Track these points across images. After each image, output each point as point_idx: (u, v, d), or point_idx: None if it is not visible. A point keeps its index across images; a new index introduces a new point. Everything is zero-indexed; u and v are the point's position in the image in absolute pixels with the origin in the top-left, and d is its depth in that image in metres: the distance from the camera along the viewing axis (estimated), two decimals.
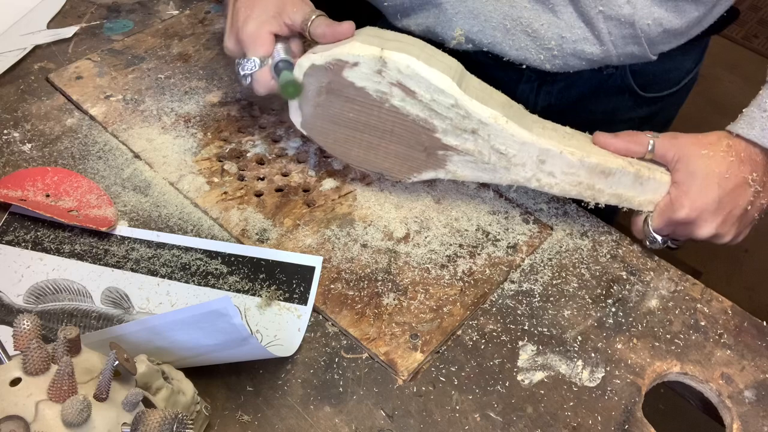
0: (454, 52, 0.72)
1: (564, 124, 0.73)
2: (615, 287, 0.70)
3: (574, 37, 0.73)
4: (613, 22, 0.71)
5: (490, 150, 0.68)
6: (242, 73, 0.70)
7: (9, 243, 0.69)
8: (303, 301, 0.66)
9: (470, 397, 0.61)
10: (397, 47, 0.66)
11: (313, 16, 0.69)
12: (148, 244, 0.70)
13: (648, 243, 0.72)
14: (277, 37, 0.70)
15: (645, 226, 0.71)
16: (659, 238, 0.71)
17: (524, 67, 0.78)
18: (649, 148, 0.70)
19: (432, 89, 0.65)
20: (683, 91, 0.90)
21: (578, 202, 0.77)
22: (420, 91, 0.66)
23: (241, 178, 0.77)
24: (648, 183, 0.69)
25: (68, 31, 0.93)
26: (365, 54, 0.65)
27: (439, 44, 0.80)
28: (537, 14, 0.73)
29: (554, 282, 0.70)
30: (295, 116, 0.73)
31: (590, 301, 0.69)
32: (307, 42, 0.71)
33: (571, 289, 0.70)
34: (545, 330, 0.66)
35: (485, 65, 0.78)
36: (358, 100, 0.68)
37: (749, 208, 0.69)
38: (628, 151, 0.70)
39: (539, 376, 0.63)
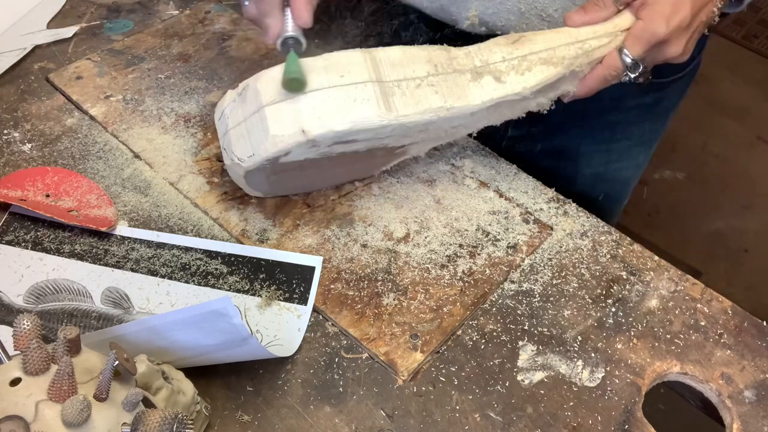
0: (463, 35, 0.72)
1: (572, 110, 0.72)
2: (615, 287, 0.70)
3: None
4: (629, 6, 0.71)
5: (445, 130, 0.69)
6: None
7: (9, 243, 0.69)
8: (303, 301, 0.66)
9: (470, 397, 0.61)
10: (313, 106, 0.64)
11: None
12: (148, 244, 0.70)
13: (629, 75, 0.70)
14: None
15: (623, 58, 0.69)
16: (641, 64, 0.69)
17: None
18: (615, 3, 0.68)
19: (364, 132, 0.65)
20: (687, 77, 0.90)
21: (578, 202, 0.78)
22: (357, 137, 0.65)
23: None
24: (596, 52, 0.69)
25: (68, 31, 0.93)
26: (290, 143, 0.64)
27: (451, 25, 0.80)
28: None
29: (554, 282, 0.70)
30: (254, 193, 0.74)
31: (590, 301, 0.69)
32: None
33: (571, 289, 0.70)
34: (545, 330, 0.66)
35: None
36: (306, 164, 0.68)
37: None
38: (596, 21, 0.69)
39: (539, 376, 0.63)
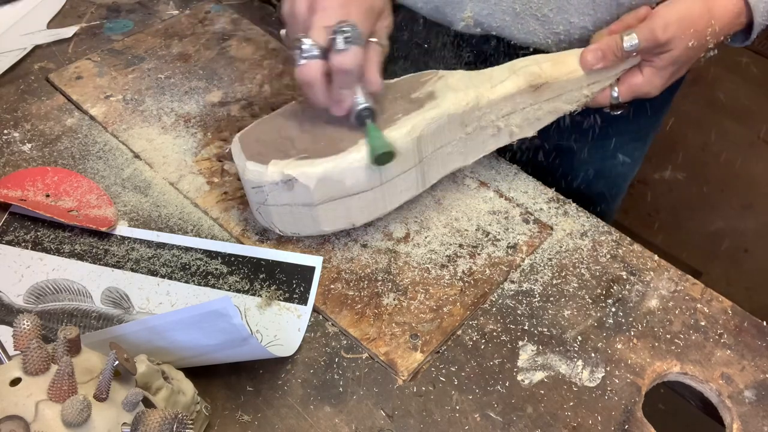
0: (460, 36, 0.72)
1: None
2: (615, 287, 0.70)
3: (581, 23, 0.74)
4: (624, 8, 0.72)
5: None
6: (304, 53, 0.59)
7: (9, 243, 0.69)
8: (303, 301, 0.66)
9: (470, 397, 0.61)
10: (363, 206, 0.66)
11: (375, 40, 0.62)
12: (148, 244, 0.70)
13: (611, 111, 0.74)
14: None
15: (611, 96, 0.73)
16: (624, 105, 0.74)
17: (531, 50, 0.78)
18: (630, 50, 0.69)
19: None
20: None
21: (575, 199, 0.78)
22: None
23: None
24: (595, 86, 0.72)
25: (68, 31, 0.93)
26: (337, 231, 0.69)
27: (446, 26, 0.80)
28: None
29: (554, 282, 0.70)
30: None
31: (590, 301, 0.69)
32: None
33: (571, 289, 0.70)
34: (545, 330, 0.66)
35: (488, 53, 0.78)
36: None
37: None
38: (611, 68, 0.71)
39: (539, 376, 0.63)
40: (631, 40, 0.68)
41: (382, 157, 0.62)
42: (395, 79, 0.72)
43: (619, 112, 0.75)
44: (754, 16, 0.68)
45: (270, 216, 0.67)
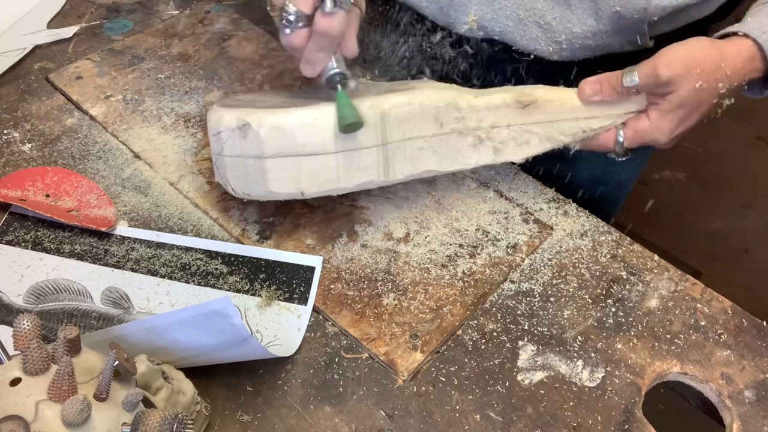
0: (464, 41, 0.71)
1: None
2: (615, 287, 0.70)
3: (584, 33, 0.74)
4: (626, 20, 0.72)
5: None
6: (290, 22, 0.60)
7: (9, 243, 0.69)
8: (303, 301, 0.66)
9: (470, 397, 0.61)
10: (315, 171, 0.63)
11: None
12: (148, 244, 0.70)
13: (615, 156, 0.72)
14: None
15: (618, 143, 0.70)
16: (629, 153, 0.72)
17: (532, 57, 0.78)
18: (629, 86, 0.68)
19: (357, 187, 0.66)
20: None
21: (578, 202, 0.77)
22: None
23: None
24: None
25: (68, 31, 0.93)
26: (285, 197, 0.65)
27: (449, 28, 0.80)
28: (551, 7, 0.73)
29: (554, 282, 0.70)
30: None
31: (590, 301, 0.69)
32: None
33: (571, 289, 0.70)
34: (545, 330, 0.66)
35: (491, 58, 0.78)
36: None
37: None
38: (608, 101, 0.69)
39: (539, 376, 0.63)
40: (631, 76, 0.66)
41: (349, 126, 0.61)
42: (391, 82, 0.72)
43: (624, 159, 0.72)
44: None
45: (225, 170, 0.66)
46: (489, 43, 0.79)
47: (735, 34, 0.66)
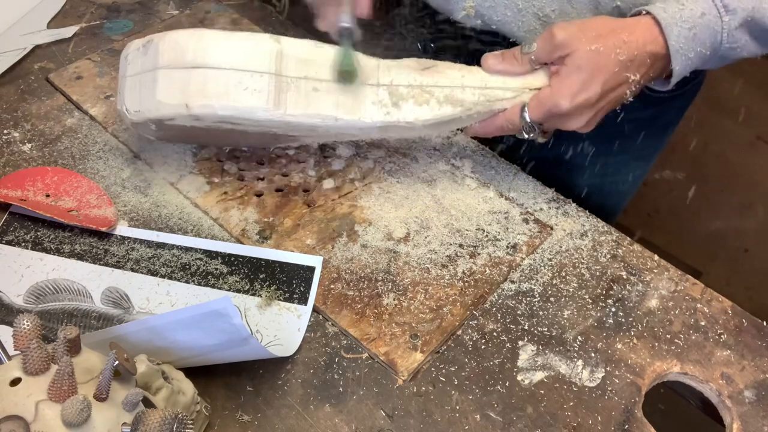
0: (459, 28, 0.72)
1: None
2: (615, 287, 0.70)
3: None
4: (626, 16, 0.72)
5: (334, 135, 0.71)
6: None
7: (9, 243, 0.69)
8: (303, 301, 0.66)
9: (470, 397, 0.61)
10: (203, 83, 0.64)
11: None
12: (148, 244, 0.70)
13: (525, 134, 0.71)
14: None
15: (522, 117, 0.69)
16: (537, 128, 0.70)
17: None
18: (528, 53, 0.68)
19: (248, 120, 0.65)
20: (689, 94, 0.90)
21: (577, 201, 0.77)
22: (241, 122, 0.66)
23: (241, 178, 0.77)
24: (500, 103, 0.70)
25: (68, 31, 0.93)
26: (173, 112, 0.64)
27: (445, 14, 0.80)
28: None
29: (554, 282, 0.70)
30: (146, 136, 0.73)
31: (590, 301, 0.69)
32: None
33: (571, 289, 0.70)
34: (545, 330, 0.66)
35: (490, 50, 0.78)
36: (193, 130, 0.68)
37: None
38: (510, 73, 0.69)
39: (539, 376, 0.63)
40: (529, 43, 0.68)
41: (343, 74, 0.65)
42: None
43: (540, 139, 0.72)
44: (668, 40, 0.65)
45: (124, 92, 0.68)
46: (487, 35, 0.79)
47: (639, 13, 0.67)
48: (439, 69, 0.69)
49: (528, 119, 0.69)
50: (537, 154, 0.82)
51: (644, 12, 0.67)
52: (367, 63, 0.68)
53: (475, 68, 0.70)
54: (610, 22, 0.66)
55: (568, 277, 0.71)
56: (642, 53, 0.66)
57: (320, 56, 0.67)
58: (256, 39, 0.65)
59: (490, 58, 0.70)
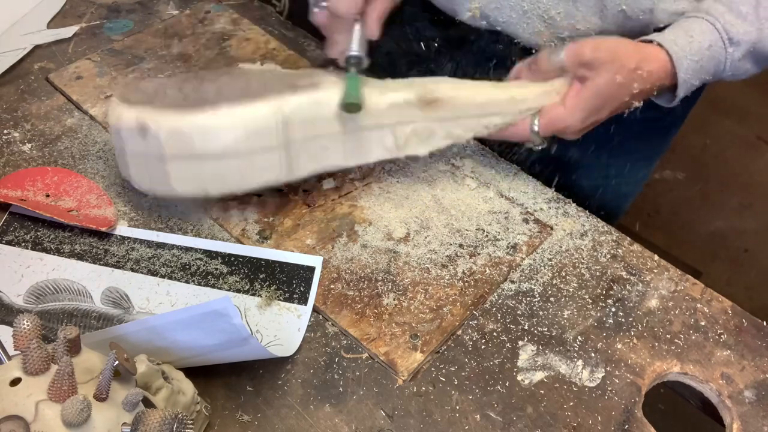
0: (465, 31, 0.72)
1: None
2: (615, 287, 0.70)
3: (587, 31, 0.74)
4: (632, 22, 0.72)
5: None
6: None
7: (9, 243, 0.69)
8: (303, 301, 0.66)
9: (470, 397, 0.61)
10: (218, 172, 0.64)
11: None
12: (148, 244, 0.70)
13: (533, 145, 0.73)
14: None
15: (532, 132, 0.71)
16: (545, 141, 0.72)
17: (534, 52, 0.78)
18: (556, 62, 0.69)
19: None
20: (692, 97, 0.89)
21: (578, 202, 0.77)
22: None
23: None
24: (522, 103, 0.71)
25: (68, 31, 0.93)
26: (191, 196, 0.66)
27: (450, 14, 0.80)
28: (557, 1, 0.73)
29: (554, 282, 0.70)
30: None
31: (590, 301, 0.69)
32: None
33: (571, 289, 0.70)
34: (545, 330, 0.66)
35: (495, 51, 0.78)
36: None
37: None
38: (533, 80, 0.71)
39: (539, 376, 0.63)
40: (557, 52, 0.68)
41: (348, 106, 0.64)
42: (297, 71, 0.72)
43: (539, 148, 0.73)
44: (677, 72, 0.67)
45: (128, 167, 0.67)
46: (492, 36, 0.79)
47: (651, 42, 0.68)
48: (441, 101, 0.69)
49: (538, 135, 0.71)
50: (538, 155, 0.82)
51: (655, 43, 0.68)
52: (371, 92, 0.68)
53: (474, 90, 0.71)
54: (636, 55, 0.67)
55: (568, 277, 0.71)
56: (653, 86, 0.68)
57: (321, 115, 0.66)
58: (260, 111, 0.63)
59: (522, 71, 0.72)
